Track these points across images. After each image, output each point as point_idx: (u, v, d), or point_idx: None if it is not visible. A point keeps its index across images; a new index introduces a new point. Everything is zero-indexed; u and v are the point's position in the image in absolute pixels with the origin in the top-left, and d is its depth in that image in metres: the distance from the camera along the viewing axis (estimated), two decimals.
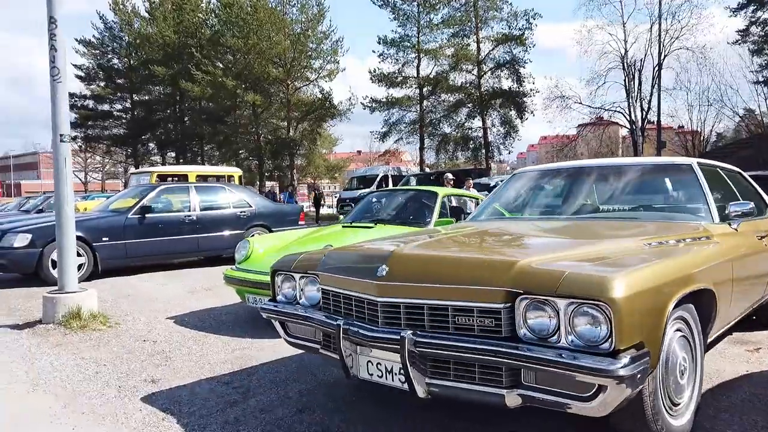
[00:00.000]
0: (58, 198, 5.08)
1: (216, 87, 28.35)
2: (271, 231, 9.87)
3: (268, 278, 3.32)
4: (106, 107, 41.97)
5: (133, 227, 8.45)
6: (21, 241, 7.58)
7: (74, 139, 43.63)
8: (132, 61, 39.44)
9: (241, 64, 28.78)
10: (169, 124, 37.03)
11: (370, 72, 28.15)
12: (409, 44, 26.07)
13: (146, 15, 37.54)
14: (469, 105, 24.23)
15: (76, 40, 40.27)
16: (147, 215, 8.58)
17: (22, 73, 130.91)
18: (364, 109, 27.70)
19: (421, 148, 27.07)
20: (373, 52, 27.35)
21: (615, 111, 25.71)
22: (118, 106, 42.09)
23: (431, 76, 26.06)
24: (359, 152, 57.74)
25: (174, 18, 34.34)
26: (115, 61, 41.09)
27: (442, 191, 5.78)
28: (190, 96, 35.41)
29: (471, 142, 24.78)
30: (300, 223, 10.50)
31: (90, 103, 42.08)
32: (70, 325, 4.88)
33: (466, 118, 24.38)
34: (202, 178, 11.76)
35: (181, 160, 37.04)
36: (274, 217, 10.08)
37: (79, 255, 7.84)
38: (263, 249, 5.34)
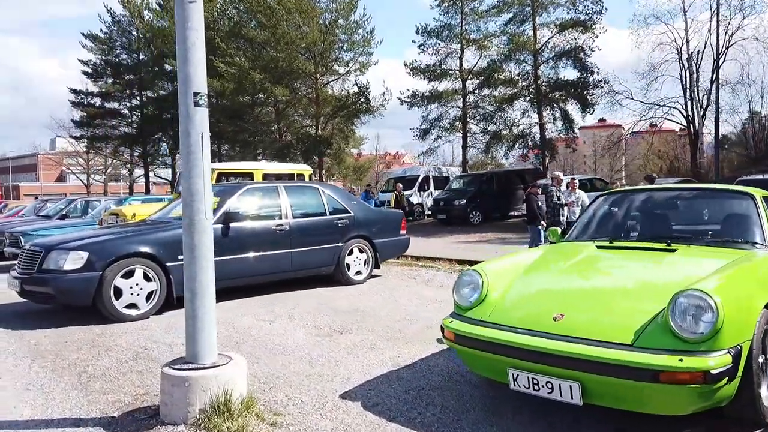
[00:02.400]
0: (190, 201, 3.04)
1: (240, 81, 26.24)
2: (373, 244, 7.87)
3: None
4: (114, 105, 39.97)
5: (216, 241, 6.35)
6: (74, 261, 5.53)
7: (80, 138, 41.62)
8: (142, 56, 37.41)
9: (266, 56, 26.70)
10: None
11: (406, 64, 26.14)
12: (452, 33, 24.04)
13: (157, 7, 35.50)
14: (525, 98, 22.17)
15: (83, 34, 38.33)
16: (231, 224, 6.53)
17: (17, 76, 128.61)
18: (402, 104, 25.64)
19: (464, 147, 25.01)
20: (413, 42, 25.16)
21: (670, 107, 23.73)
22: (127, 104, 40.08)
23: (478, 68, 24.01)
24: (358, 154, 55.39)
25: None
26: (124, 56, 39.05)
27: (758, 192, 3.73)
28: (210, 92, 33.44)
29: (524, 139, 22.70)
30: (401, 232, 8.47)
31: (97, 101, 40.06)
32: (217, 426, 2.81)
33: (523, 113, 22.36)
34: (270, 176, 9.71)
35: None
36: (376, 226, 8.03)
37: (148, 279, 5.86)
38: (504, 287, 3.28)
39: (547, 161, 22.50)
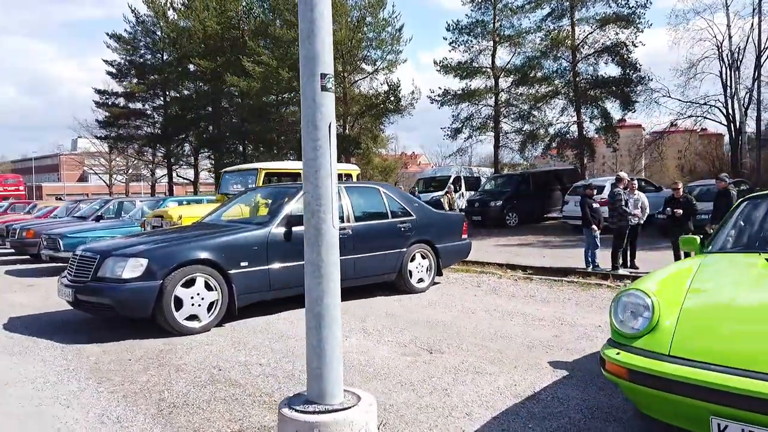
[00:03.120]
0: (317, 207, 2.50)
1: (268, 79, 25.87)
2: (435, 250, 7.33)
3: None
4: (138, 105, 39.95)
5: (279, 246, 5.90)
6: (133, 269, 5.07)
7: (104, 138, 41.66)
8: (167, 56, 37.29)
9: (294, 55, 26.26)
10: (208, 124, 34.62)
11: (436, 62, 25.54)
12: (485, 30, 23.38)
13: (181, 7, 35.30)
14: (562, 96, 21.40)
15: (107, 34, 38.36)
16: (294, 228, 6.04)
17: (38, 78, 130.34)
18: (432, 102, 25.05)
19: (496, 146, 24.33)
20: (444, 39, 24.48)
21: (711, 105, 22.81)
22: (151, 104, 40.04)
23: (511, 66, 23.34)
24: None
25: (216, 8, 32.03)
26: (148, 56, 39.01)
27: None
28: (235, 91, 33.22)
29: (561, 138, 21.93)
30: (463, 237, 7.92)
31: (121, 101, 40.09)
32: None
33: (562, 111, 21.60)
34: None
35: (226, 161, 34.74)
36: (438, 230, 7.50)
37: (209, 288, 5.39)
38: (676, 311, 2.71)
39: (585, 161, 21.71)
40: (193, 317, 5.32)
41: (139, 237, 6.18)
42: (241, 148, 33.33)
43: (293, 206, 6.19)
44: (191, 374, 4.04)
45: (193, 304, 5.30)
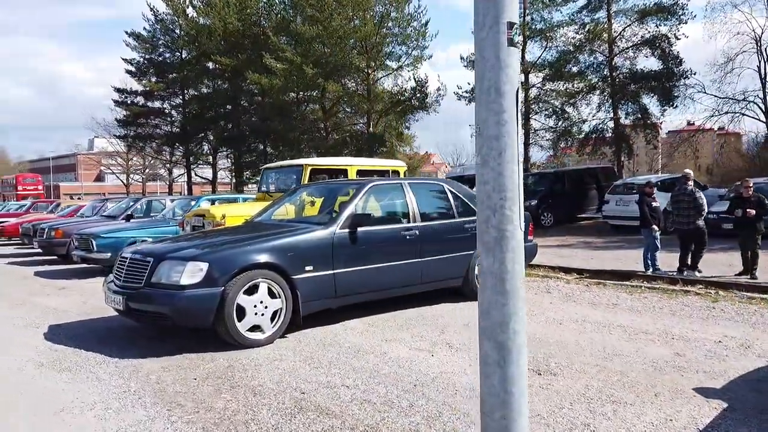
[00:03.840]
0: (500, 202, 1.89)
1: (291, 76, 25.35)
2: None
3: None
4: (157, 104, 39.72)
5: (344, 248, 5.33)
6: (192, 274, 4.52)
7: (123, 137, 41.48)
8: (186, 54, 36.99)
9: (317, 51, 25.74)
10: (228, 123, 34.19)
11: (462, 58, 24.89)
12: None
13: (200, 4, 34.92)
14: (598, 92, 20.62)
15: (126, 32, 38.15)
16: (359, 229, 5.46)
17: (48, 79, 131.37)
18: (459, 99, 24.40)
19: (526, 144, 23.60)
20: (472, 33, 23.70)
21: (749, 101, 21.90)
22: (170, 103, 39.80)
23: (542, 61, 22.59)
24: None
25: (236, 4, 31.59)
26: (167, 54, 38.77)
27: None
28: (254, 89, 32.77)
29: (597, 135, 21.16)
30: (529, 238, 7.29)
31: (140, 99, 39.88)
32: None
33: (598, 107, 20.82)
34: (364, 173, 8.66)
35: (246, 160, 34.36)
36: None
37: (272, 295, 4.83)
38: None
39: (621, 158, 20.91)
40: (255, 328, 4.77)
41: (190, 238, 5.63)
42: (261, 147, 32.93)
43: (357, 205, 5.62)
44: (272, 399, 3.47)
45: (256, 314, 4.75)
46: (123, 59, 38.45)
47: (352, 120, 30.36)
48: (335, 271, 5.24)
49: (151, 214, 12.64)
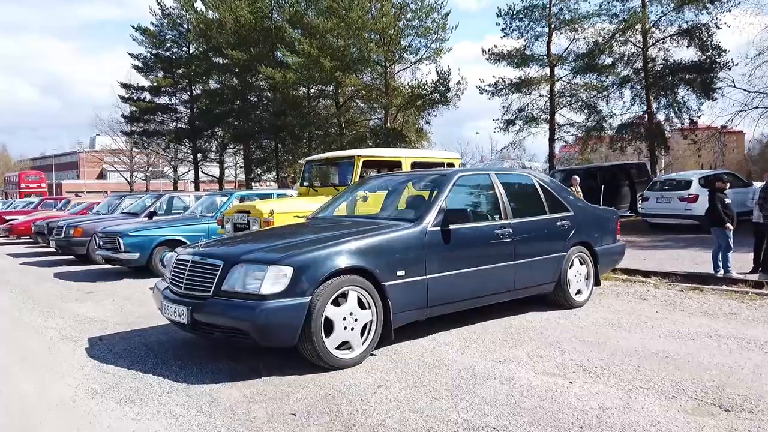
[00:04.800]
0: None
1: (308, 69, 24.55)
2: (594, 254, 5.96)
3: None
4: (164, 100, 38.93)
5: (437, 249, 4.56)
6: (275, 281, 3.74)
7: (130, 134, 40.64)
8: (194, 49, 36.20)
9: (332, 44, 24.94)
10: (238, 119, 33.31)
11: (483, 51, 24.08)
12: (541, 15, 21.87)
13: None
14: (632, 85, 19.80)
15: (133, 27, 37.39)
16: (452, 227, 4.68)
17: (52, 77, 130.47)
18: (481, 93, 23.61)
19: (551, 140, 22.81)
20: (497, 25, 22.97)
21: None
22: (178, 99, 39.02)
23: (570, 53, 21.81)
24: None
25: None
26: (175, 49, 37.99)
27: None
28: (264, 85, 31.96)
29: (630, 130, 20.33)
30: (617, 237, 6.52)
31: (146, 95, 39.09)
32: None
33: (633, 100, 19.99)
34: (419, 165, 7.88)
35: (258, 156, 33.56)
36: (596, 229, 6.12)
37: (362, 306, 4.06)
38: None
39: (656, 154, 20.08)
40: (343, 345, 4.00)
41: (255, 238, 4.83)
42: (272, 143, 32.12)
43: (447, 199, 4.84)
44: None
45: (345, 328, 3.97)
46: (129, 54, 37.72)
47: (366, 115, 29.56)
48: (428, 277, 4.47)
49: (173, 211, 11.88)
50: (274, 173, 34.06)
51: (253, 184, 35.99)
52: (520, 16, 22.60)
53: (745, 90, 21.10)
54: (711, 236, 8.32)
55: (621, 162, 20.41)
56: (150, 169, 54.56)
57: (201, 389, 3.55)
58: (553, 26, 22.02)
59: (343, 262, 3.98)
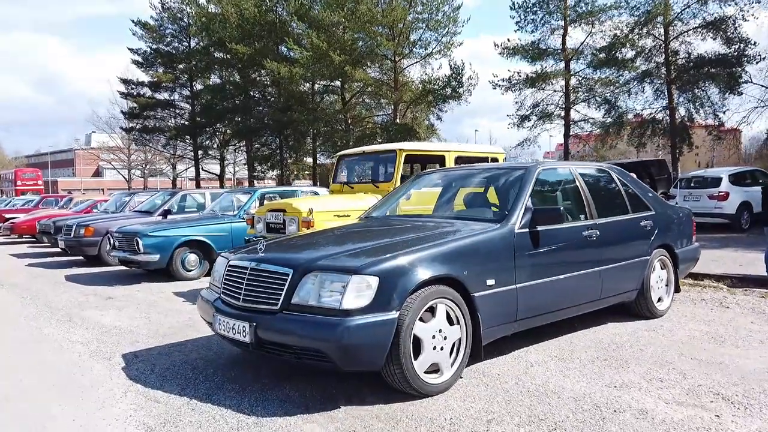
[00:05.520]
0: None
1: (316, 64, 23.90)
2: (675, 257, 5.40)
3: None
4: (164, 96, 38.18)
5: (526, 254, 3.98)
6: (358, 294, 3.15)
7: (130, 130, 39.82)
8: (196, 43, 35.48)
9: (340, 38, 24.29)
10: (240, 115, 32.58)
11: (496, 45, 23.51)
12: (556, 8, 21.29)
13: None
14: (652, 79, 19.25)
15: (133, 21, 36.64)
16: (539, 228, 4.10)
17: (47, 74, 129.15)
18: (494, 88, 23.03)
19: (566, 136, 22.26)
20: (511, 18, 22.39)
21: None
22: (177, 95, 38.30)
23: (586, 47, 21.24)
24: None
25: None
26: (175, 44, 37.27)
27: None
28: (267, 81, 31.29)
29: (652, 126, 19.79)
30: (693, 239, 5.95)
31: (146, 91, 38.33)
32: None
33: (656, 95, 19.43)
34: (463, 160, 7.30)
35: (262, 152, 32.89)
36: (676, 229, 5.56)
37: (450, 321, 3.48)
38: None
39: (678, 151, 19.52)
40: (432, 368, 3.41)
41: (319, 241, 4.22)
42: (276, 140, 31.45)
43: (529, 190, 4.25)
44: None
45: (434, 347, 3.39)
46: (129, 49, 36.93)
47: (372, 111, 28.94)
48: (517, 286, 3.88)
49: (186, 210, 11.26)
50: (277, 171, 33.43)
51: (255, 182, 35.36)
52: (535, 9, 22.04)
53: (762, 86, 20.63)
54: (764, 236, 7.78)
55: (640, 159, 19.87)
56: (148, 166, 53.71)
57: (274, 424, 2.96)
58: (568, 19, 21.43)
59: (432, 270, 3.39)
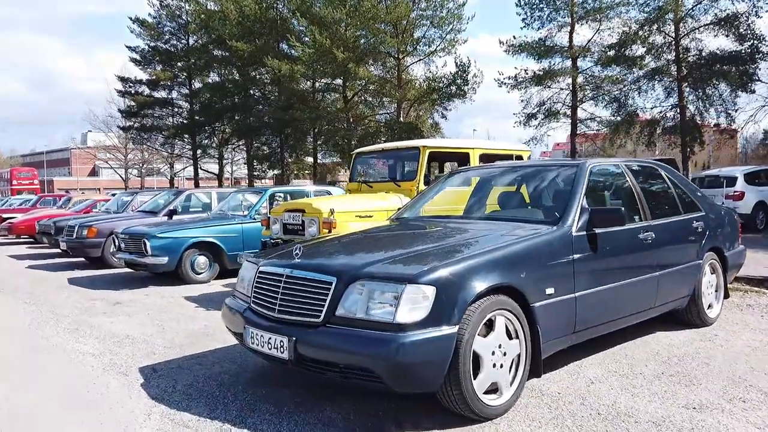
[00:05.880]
0: None
1: (319, 61, 23.51)
2: (724, 261, 5.07)
3: None
4: (163, 94, 37.72)
5: (585, 259, 3.63)
6: (413, 305, 2.80)
7: (128, 129, 39.32)
8: (195, 41, 35.05)
9: (342, 35, 23.88)
10: (242, 113, 32.13)
11: (501, 42, 23.17)
12: (562, 4, 20.96)
13: None
14: (662, 77, 18.95)
15: (130, 18, 36.18)
16: (598, 230, 3.76)
17: (42, 73, 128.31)
18: (500, 86, 22.69)
19: (573, 134, 21.95)
20: (517, 14, 22.06)
21: None
22: (176, 93, 37.85)
23: (593, 44, 20.93)
24: None
25: None
26: (174, 41, 36.84)
27: None
28: (266, 79, 30.88)
29: (663, 124, 19.50)
30: (739, 241, 5.62)
31: (145, 89, 37.87)
32: None
33: (668, 93, 19.10)
34: (489, 158, 6.96)
35: (264, 151, 32.49)
36: (724, 230, 5.23)
37: (508, 335, 3.13)
38: None
39: (688, 151, 19.21)
40: (491, 386, 3.07)
41: (358, 245, 3.86)
42: (278, 139, 31.01)
43: (583, 191, 3.90)
44: None
45: (494, 365, 3.05)
46: (127, 47, 36.47)
47: (374, 110, 28.56)
48: (576, 294, 3.54)
49: (190, 210, 10.88)
50: (278, 170, 33.00)
51: (254, 181, 34.91)
52: (541, 5, 21.71)
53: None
54: None
55: (650, 158, 19.58)
56: (145, 165, 53.16)
57: None
58: (576, 16, 21.11)
59: (492, 278, 3.04)
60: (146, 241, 7.44)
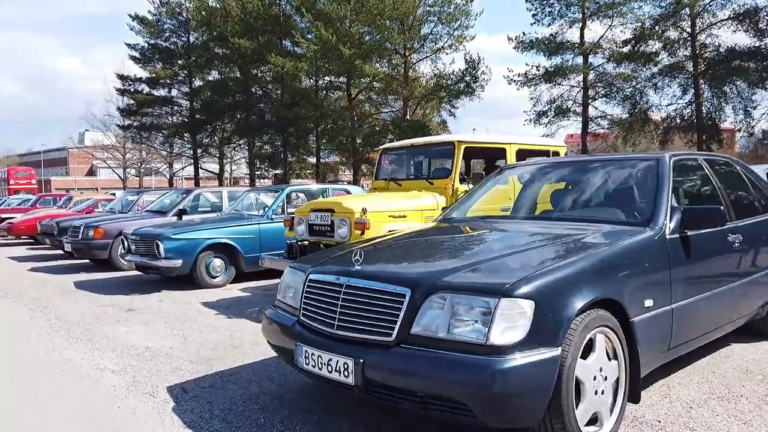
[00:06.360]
0: None
1: (324, 58, 23.04)
2: None
3: None
4: (163, 92, 37.20)
5: (680, 265, 3.18)
6: (510, 323, 2.33)
7: (128, 128, 38.75)
8: (196, 38, 34.52)
9: (347, 32, 23.41)
10: (244, 111, 31.60)
11: (510, 39, 22.72)
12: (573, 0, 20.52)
13: None
14: (677, 74, 18.54)
15: (130, 16, 35.65)
16: (690, 233, 3.30)
17: (39, 72, 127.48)
18: (510, 83, 22.26)
19: (584, 132, 21.52)
20: (528, 10, 21.62)
21: None
22: (176, 92, 37.34)
23: (606, 40, 20.50)
24: None
25: None
26: (174, 39, 36.32)
27: None
28: (268, 76, 30.39)
29: (678, 122, 19.08)
30: None
31: (144, 88, 37.34)
32: None
33: (683, 91, 18.70)
34: (525, 153, 6.51)
35: (267, 150, 31.98)
36: None
37: (607, 356, 2.65)
38: None
39: (704, 149, 18.79)
40: (591, 416, 2.61)
41: (424, 250, 3.40)
42: (281, 138, 30.50)
43: (668, 187, 3.44)
44: None
45: (596, 392, 2.59)
46: (126, 44, 35.94)
47: (379, 108, 28.10)
48: (672, 306, 3.09)
49: (199, 209, 10.40)
50: (280, 169, 32.51)
51: (255, 181, 34.40)
52: (552, 1, 21.26)
53: None
54: None
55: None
56: (143, 165, 52.58)
57: None
58: (587, 11, 20.68)
59: (593, 291, 2.58)
60: (159, 242, 6.96)
